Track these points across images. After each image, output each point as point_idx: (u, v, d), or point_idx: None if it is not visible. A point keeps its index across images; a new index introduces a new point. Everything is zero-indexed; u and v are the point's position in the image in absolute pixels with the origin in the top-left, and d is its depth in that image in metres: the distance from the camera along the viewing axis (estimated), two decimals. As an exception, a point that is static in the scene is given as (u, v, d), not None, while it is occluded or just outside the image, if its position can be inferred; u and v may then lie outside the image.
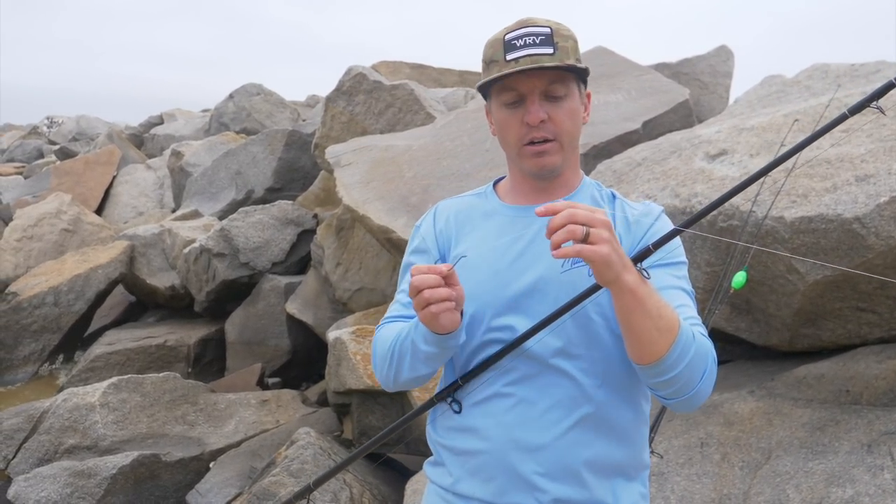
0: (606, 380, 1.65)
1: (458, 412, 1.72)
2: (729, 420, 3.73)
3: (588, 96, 1.79)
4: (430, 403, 1.77)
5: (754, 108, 5.48)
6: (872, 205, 3.49)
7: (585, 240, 1.34)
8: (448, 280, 1.51)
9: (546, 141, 1.69)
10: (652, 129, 6.01)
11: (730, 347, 4.48)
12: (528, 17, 1.72)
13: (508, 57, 1.65)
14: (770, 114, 4.72)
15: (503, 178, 1.91)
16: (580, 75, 1.73)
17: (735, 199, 3.79)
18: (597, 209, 1.37)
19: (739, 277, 3.15)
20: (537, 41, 1.65)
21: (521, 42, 1.66)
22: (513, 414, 1.67)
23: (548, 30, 1.66)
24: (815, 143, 1.51)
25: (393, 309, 1.84)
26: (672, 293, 1.62)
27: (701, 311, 3.90)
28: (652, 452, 2.83)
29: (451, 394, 1.73)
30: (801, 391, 3.80)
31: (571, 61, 1.67)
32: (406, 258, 1.90)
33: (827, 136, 1.47)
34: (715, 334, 4.13)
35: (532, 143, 1.70)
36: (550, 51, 1.64)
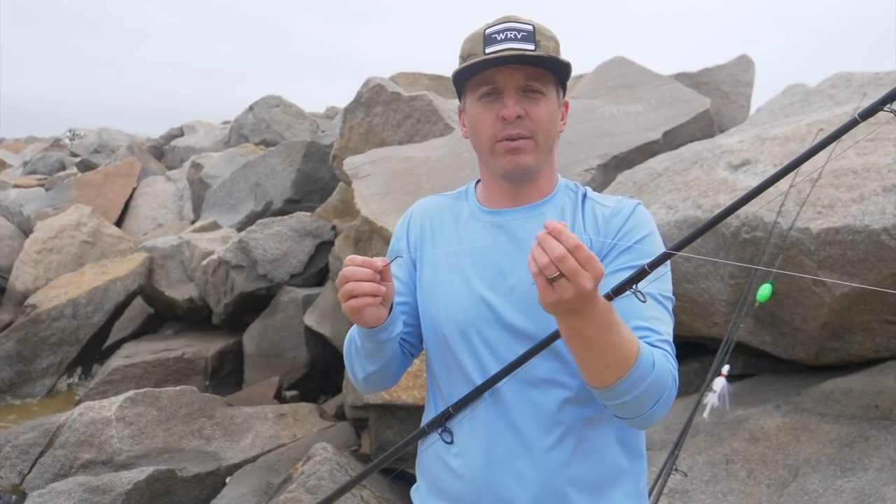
0: (581, 395, 1.59)
1: (450, 442, 1.67)
2: (754, 436, 3.65)
3: (566, 105, 1.72)
4: (422, 433, 1.70)
5: (776, 118, 5.40)
6: (902, 215, 3.41)
7: (553, 280, 1.25)
8: (382, 275, 1.50)
9: (521, 138, 1.61)
10: (673, 140, 5.94)
11: (754, 361, 4.40)
12: (510, 14, 1.65)
13: (488, 50, 1.59)
14: (793, 123, 4.64)
15: None
16: (560, 79, 1.66)
17: (759, 210, 3.72)
18: (595, 260, 1.26)
19: (764, 290, 3.08)
20: (519, 36, 1.59)
21: (501, 36, 1.59)
22: (492, 439, 1.62)
23: (530, 27, 1.60)
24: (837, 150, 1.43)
25: None
26: (640, 301, 1.54)
27: (724, 324, 3.82)
28: (676, 470, 2.77)
29: (442, 423, 1.67)
30: (829, 406, 3.71)
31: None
32: None
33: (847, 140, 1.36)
34: (739, 348, 4.07)
35: (508, 138, 1.61)
36: (532, 47, 1.57)
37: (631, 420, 1.49)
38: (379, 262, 1.49)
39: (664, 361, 1.46)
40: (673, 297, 1.62)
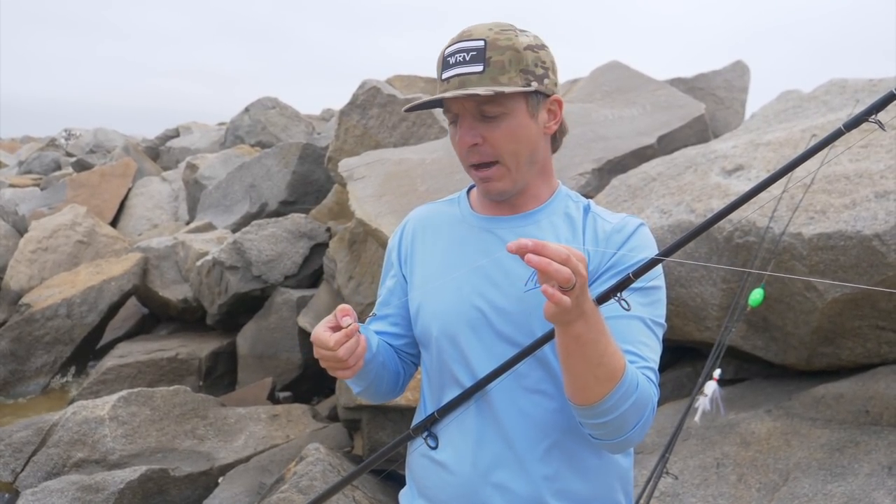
0: (568, 410, 1.55)
1: (435, 448, 1.67)
2: (745, 440, 3.66)
3: (557, 102, 1.62)
4: (407, 437, 1.71)
5: (771, 124, 5.43)
6: (893, 221, 3.44)
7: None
8: (347, 334, 1.49)
9: (491, 164, 1.58)
10: (667, 144, 5.96)
11: (746, 366, 4.42)
12: (467, 29, 1.57)
13: (444, 75, 1.55)
14: (787, 129, 4.66)
15: None
16: (531, 84, 1.56)
17: (752, 215, 3.74)
18: (572, 252, 1.23)
19: (756, 295, 3.10)
20: (467, 58, 1.52)
21: (453, 59, 1.53)
22: (480, 447, 1.62)
23: (481, 43, 1.51)
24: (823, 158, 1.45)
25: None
26: (630, 324, 1.51)
27: (716, 329, 3.84)
28: (667, 473, 2.78)
29: (427, 428, 1.68)
30: (820, 411, 3.73)
31: (506, 77, 1.51)
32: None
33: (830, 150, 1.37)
34: (731, 352, 4.09)
35: (476, 166, 1.60)
36: (479, 69, 1.51)
37: (607, 443, 1.48)
38: (332, 341, 1.46)
39: (647, 384, 1.45)
40: (664, 325, 1.60)
